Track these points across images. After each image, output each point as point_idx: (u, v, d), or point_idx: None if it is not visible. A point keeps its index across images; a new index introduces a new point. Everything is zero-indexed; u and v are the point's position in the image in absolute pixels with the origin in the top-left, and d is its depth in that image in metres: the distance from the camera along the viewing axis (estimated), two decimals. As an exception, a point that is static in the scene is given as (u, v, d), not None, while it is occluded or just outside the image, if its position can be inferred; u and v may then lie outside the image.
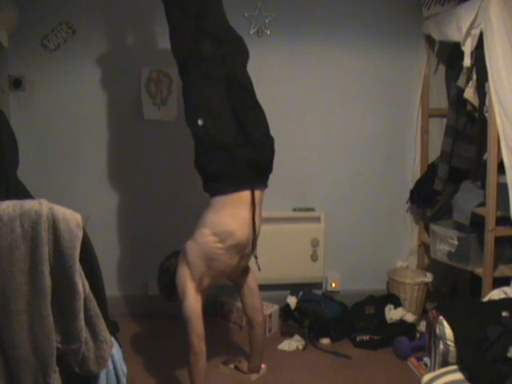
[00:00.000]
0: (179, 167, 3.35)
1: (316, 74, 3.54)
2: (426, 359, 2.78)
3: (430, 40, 3.46)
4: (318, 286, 3.67)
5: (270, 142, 2.59)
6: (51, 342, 1.59)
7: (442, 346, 2.18)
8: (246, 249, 2.58)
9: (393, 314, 3.31)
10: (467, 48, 2.91)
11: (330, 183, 3.64)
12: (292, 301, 3.41)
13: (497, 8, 2.67)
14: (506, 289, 2.46)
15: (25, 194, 2.17)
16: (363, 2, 3.49)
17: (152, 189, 3.52)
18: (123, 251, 3.56)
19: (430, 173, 3.50)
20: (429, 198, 3.47)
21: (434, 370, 2.22)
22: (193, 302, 2.48)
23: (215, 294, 3.40)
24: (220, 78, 2.51)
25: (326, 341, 3.26)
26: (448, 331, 2.16)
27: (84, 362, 1.66)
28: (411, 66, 3.57)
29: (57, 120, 3.41)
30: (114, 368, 1.77)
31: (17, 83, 3.33)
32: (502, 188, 2.73)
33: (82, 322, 1.62)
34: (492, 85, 2.71)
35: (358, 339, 3.22)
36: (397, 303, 3.38)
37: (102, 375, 1.74)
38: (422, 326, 3.16)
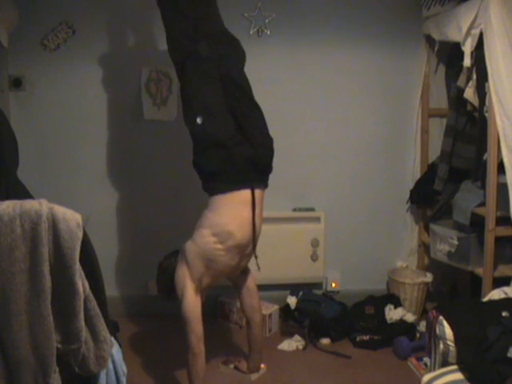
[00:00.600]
0: (179, 167, 3.35)
1: (316, 74, 3.53)
2: (426, 359, 2.78)
3: (430, 40, 3.46)
4: (318, 285, 3.67)
5: (268, 141, 2.59)
6: (51, 342, 1.59)
7: (441, 345, 2.18)
8: (247, 249, 2.58)
9: (393, 314, 3.31)
10: (467, 48, 2.91)
11: (330, 183, 3.64)
12: (292, 301, 3.41)
13: (497, 8, 2.67)
14: (506, 289, 2.46)
15: (25, 194, 2.17)
16: (363, 2, 3.49)
17: (152, 189, 3.52)
18: (123, 251, 3.56)
19: (429, 173, 3.50)
20: (429, 198, 3.47)
21: (434, 370, 2.22)
22: (192, 302, 2.48)
23: (215, 294, 3.40)
24: (217, 77, 2.52)
25: (325, 341, 3.26)
26: (448, 331, 2.16)
27: (84, 361, 1.66)
28: (411, 66, 3.56)
29: (57, 120, 3.41)
30: (114, 368, 1.77)
31: (17, 83, 3.33)
32: (502, 188, 2.73)
33: (82, 322, 1.62)
34: (492, 85, 2.71)
35: (357, 339, 3.22)
36: (397, 303, 3.38)
37: (102, 375, 1.74)
38: (422, 326, 3.16)
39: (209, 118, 2.49)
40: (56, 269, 1.58)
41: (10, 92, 3.33)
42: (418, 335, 3.20)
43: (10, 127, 2.29)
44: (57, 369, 1.62)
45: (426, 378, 2.11)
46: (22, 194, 2.16)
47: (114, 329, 1.91)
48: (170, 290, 2.59)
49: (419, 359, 2.95)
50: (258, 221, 2.55)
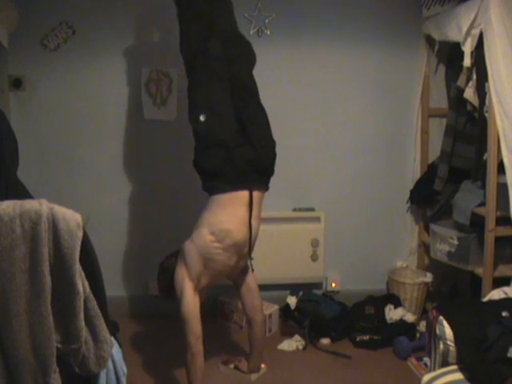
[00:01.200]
0: (179, 167, 3.35)
1: (316, 74, 3.53)
2: (426, 359, 2.78)
3: (430, 40, 3.46)
4: (318, 286, 3.67)
5: (271, 144, 2.59)
6: (51, 342, 1.59)
7: (441, 345, 2.18)
8: (244, 249, 2.57)
9: (393, 314, 3.31)
10: (467, 48, 2.91)
11: (330, 183, 3.64)
12: (292, 301, 3.40)
13: (497, 8, 2.67)
14: (506, 289, 2.46)
15: (25, 194, 2.17)
16: (363, 2, 3.49)
17: (152, 189, 3.52)
18: (123, 251, 3.56)
19: (429, 173, 3.50)
20: (429, 198, 3.47)
21: (434, 369, 2.21)
22: (190, 301, 2.48)
23: (215, 294, 3.40)
24: (226, 77, 2.52)
25: (325, 341, 3.26)
26: (448, 331, 2.15)
27: (84, 362, 1.66)
28: (411, 66, 3.56)
29: (57, 120, 3.41)
30: (114, 368, 1.78)
31: (17, 83, 3.33)
32: (502, 188, 2.73)
33: (82, 322, 1.62)
34: (492, 85, 2.71)
35: (358, 339, 3.22)
36: (397, 303, 3.38)
37: (102, 375, 1.74)
38: (422, 326, 3.16)
39: (213, 116, 2.50)
40: (56, 269, 1.58)
41: (10, 92, 3.33)
42: (418, 335, 3.21)
43: (10, 127, 2.30)
44: (57, 369, 1.62)
45: (426, 378, 2.11)
46: (22, 194, 2.16)
47: (114, 329, 1.91)
48: (170, 290, 2.59)
49: (419, 359, 2.95)
50: (254, 222, 2.55)
